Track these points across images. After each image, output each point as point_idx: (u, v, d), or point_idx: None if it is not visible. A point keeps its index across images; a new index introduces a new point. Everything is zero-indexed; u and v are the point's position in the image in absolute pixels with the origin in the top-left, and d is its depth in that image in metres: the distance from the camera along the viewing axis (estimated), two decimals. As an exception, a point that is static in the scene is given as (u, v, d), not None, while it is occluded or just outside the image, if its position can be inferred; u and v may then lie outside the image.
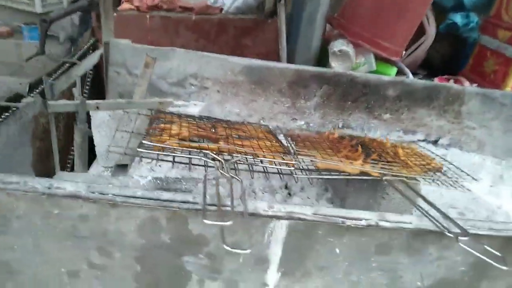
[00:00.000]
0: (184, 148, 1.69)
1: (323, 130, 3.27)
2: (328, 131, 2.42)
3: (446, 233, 1.29)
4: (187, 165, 1.66)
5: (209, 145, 1.78)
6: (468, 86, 3.85)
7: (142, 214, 1.26)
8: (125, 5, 3.66)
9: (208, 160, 1.63)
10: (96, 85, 2.94)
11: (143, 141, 1.59)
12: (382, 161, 2.03)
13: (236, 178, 1.49)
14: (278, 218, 1.32)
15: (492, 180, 3.18)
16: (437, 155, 2.28)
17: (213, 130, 2.13)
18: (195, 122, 2.14)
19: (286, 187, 2.45)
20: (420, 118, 3.28)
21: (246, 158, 1.74)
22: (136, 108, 2.25)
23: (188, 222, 1.28)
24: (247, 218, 1.26)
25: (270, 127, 2.42)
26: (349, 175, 1.88)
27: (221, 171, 1.50)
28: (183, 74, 2.94)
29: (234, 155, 1.73)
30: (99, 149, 2.47)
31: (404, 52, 4.15)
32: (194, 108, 2.63)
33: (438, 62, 5.25)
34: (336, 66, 3.63)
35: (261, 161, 1.76)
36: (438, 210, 1.53)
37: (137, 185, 1.71)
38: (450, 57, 5.25)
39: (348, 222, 1.34)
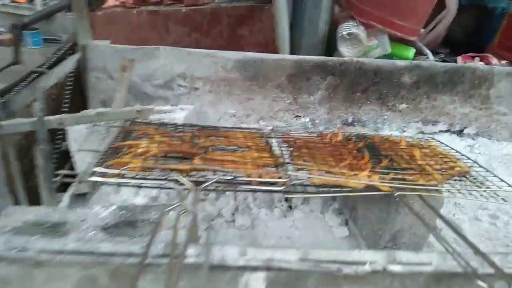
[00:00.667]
0: (148, 172, 1.41)
1: (330, 127, 2.93)
2: (331, 132, 2.08)
3: (479, 282, 0.96)
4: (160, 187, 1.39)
5: (180, 165, 1.50)
6: (497, 65, 3.39)
7: (76, 273, 0.98)
8: (110, 2, 3.38)
9: (176, 187, 1.34)
10: (78, 95, 2.69)
11: (95, 169, 1.32)
12: (395, 169, 1.69)
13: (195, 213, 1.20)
14: (253, 269, 1.02)
15: (529, 172, 2.76)
16: (463, 155, 1.91)
17: (195, 141, 1.84)
18: (173, 134, 1.86)
19: (286, 199, 2.14)
20: (441, 106, 2.88)
21: (225, 178, 1.45)
22: (108, 120, 1.99)
23: (136, 280, 1.00)
24: (210, 273, 0.97)
25: (264, 131, 2.11)
26: (353, 189, 1.56)
27: (185, 204, 1.21)
28: (170, 75, 2.65)
29: (210, 176, 1.44)
30: (80, 167, 2.23)
31: (422, 30, 3.70)
32: (181, 114, 2.34)
33: (461, 38, 4.75)
34: (346, 51, 3.23)
35: (244, 181, 1.46)
36: (463, 238, 1.19)
37: (95, 219, 1.46)
38: (474, 31, 4.75)
39: (347, 270, 1.03)
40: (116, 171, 1.36)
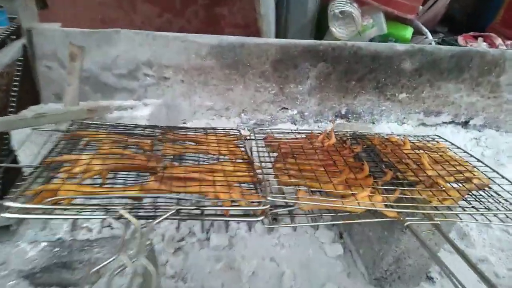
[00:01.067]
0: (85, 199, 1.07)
1: (321, 119, 2.59)
2: (323, 132, 1.74)
3: None
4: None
5: (129, 189, 1.16)
6: (502, 46, 3.05)
7: None
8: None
9: (118, 225, 1.00)
10: (30, 86, 2.30)
11: (8, 204, 0.97)
12: (401, 184, 1.37)
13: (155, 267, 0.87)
14: None
15: (541, 168, 2.48)
16: (479, 160, 1.60)
17: (156, 149, 1.49)
18: (129, 140, 1.50)
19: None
20: (446, 95, 2.56)
21: (186, 208, 1.11)
22: (50, 123, 1.62)
23: None
24: None
25: (243, 132, 1.76)
26: (351, 214, 1.24)
27: (122, 259, 0.87)
28: (134, 63, 2.26)
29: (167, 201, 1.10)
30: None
31: (420, 7, 3.33)
32: (145, 110, 1.97)
33: (461, 16, 4.41)
34: (338, 32, 2.84)
35: (212, 212, 1.13)
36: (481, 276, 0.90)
37: (19, 262, 1.12)
38: (475, 9, 4.41)
39: None
40: (35, 206, 1.02)
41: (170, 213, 1.07)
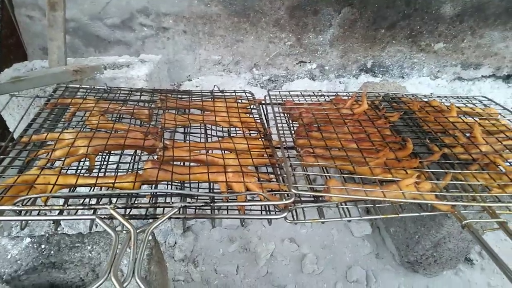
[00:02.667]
0: (63, 196, 0.86)
1: (343, 74, 2.29)
2: (352, 95, 1.46)
3: None
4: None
5: (123, 178, 0.93)
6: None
7: None
8: None
9: (109, 229, 0.79)
10: (13, 42, 2.03)
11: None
12: (451, 164, 1.12)
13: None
14: None
15: None
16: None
17: (154, 120, 1.25)
18: (122, 109, 1.26)
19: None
20: (488, 44, 2.21)
21: (192, 205, 0.90)
22: (30, 87, 1.36)
23: None
24: None
25: (257, 96, 1.50)
26: (392, 205, 1.02)
27: (115, 281, 0.67)
28: (128, 10, 1.94)
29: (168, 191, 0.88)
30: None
31: None
32: (142, 69, 1.69)
33: None
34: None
35: (224, 207, 0.92)
36: None
37: (3, 259, 0.94)
38: None
39: None
40: (4, 208, 0.81)
41: (173, 212, 0.85)
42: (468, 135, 1.28)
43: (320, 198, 1.01)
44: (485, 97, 1.62)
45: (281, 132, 1.24)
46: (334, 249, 1.56)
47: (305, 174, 1.03)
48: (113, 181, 0.93)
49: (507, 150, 1.20)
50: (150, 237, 1.07)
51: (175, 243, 1.50)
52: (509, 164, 1.14)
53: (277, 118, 1.33)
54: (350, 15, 2.05)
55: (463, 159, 1.17)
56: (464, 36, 2.18)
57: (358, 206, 1.02)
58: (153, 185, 0.99)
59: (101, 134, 1.12)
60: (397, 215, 0.98)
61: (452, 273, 1.51)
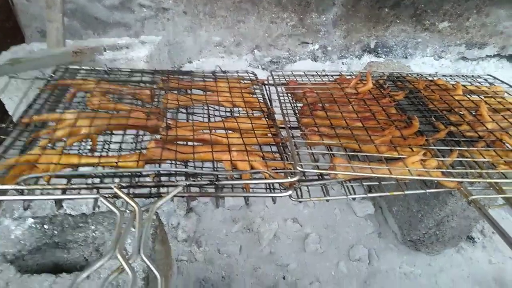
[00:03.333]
0: (66, 175, 0.86)
1: (346, 55, 2.26)
2: (357, 75, 1.44)
3: None
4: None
5: (127, 157, 0.93)
6: None
7: None
8: None
9: (113, 207, 0.79)
10: (11, 25, 2.00)
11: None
12: (457, 142, 1.12)
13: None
14: None
15: None
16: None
17: (156, 101, 1.24)
18: (124, 90, 1.24)
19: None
20: (494, 23, 2.17)
21: (196, 183, 0.89)
22: (28, 69, 1.35)
23: None
24: None
25: (260, 77, 1.48)
26: (398, 182, 1.02)
27: (120, 257, 0.67)
28: (127, -9, 1.90)
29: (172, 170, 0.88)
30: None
31: None
32: (142, 50, 1.67)
33: None
34: None
35: (229, 185, 0.91)
36: None
37: (3, 242, 0.94)
38: None
39: None
40: (6, 187, 0.80)
41: (177, 190, 0.85)
42: (474, 113, 1.27)
43: (325, 177, 1.01)
44: (490, 75, 1.60)
45: (284, 112, 1.23)
46: (337, 228, 1.57)
47: (310, 152, 1.02)
48: (117, 161, 0.92)
49: (514, 127, 1.19)
50: (155, 217, 1.08)
51: (178, 224, 1.50)
52: (515, 142, 1.13)
53: (280, 98, 1.32)
54: (353, -6, 2.00)
55: (469, 136, 1.16)
56: (469, 15, 2.14)
57: (364, 184, 1.02)
58: (157, 165, 0.98)
59: (103, 115, 1.11)
60: (402, 192, 0.98)
61: (454, 251, 1.52)
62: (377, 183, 1.02)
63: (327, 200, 1.10)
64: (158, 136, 1.06)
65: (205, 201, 1.60)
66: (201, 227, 1.52)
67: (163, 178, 0.95)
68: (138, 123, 1.09)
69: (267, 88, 1.44)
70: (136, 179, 0.98)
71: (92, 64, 1.68)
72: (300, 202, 1.15)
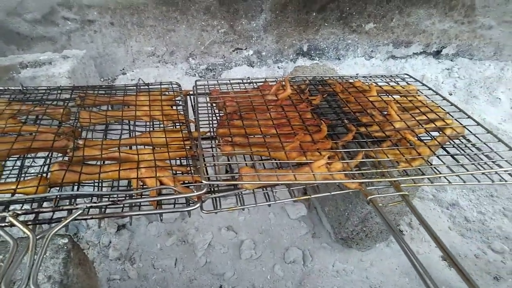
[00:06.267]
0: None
1: (281, 59, 2.31)
2: (278, 81, 1.48)
3: None
4: None
5: (27, 183, 0.90)
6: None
7: None
8: None
9: (6, 236, 0.76)
10: None
11: None
12: (365, 141, 1.17)
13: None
14: None
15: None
16: (452, 104, 1.41)
17: (72, 119, 1.21)
18: (37, 109, 1.20)
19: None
20: (416, 22, 2.29)
21: (97, 204, 0.88)
22: None
23: None
24: None
25: (181, 87, 1.47)
26: (306, 186, 1.05)
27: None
28: (47, 4, 1.84)
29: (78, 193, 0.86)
30: None
31: None
32: (64, 66, 1.62)
33: None
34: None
35: (132, 204, 0.90)
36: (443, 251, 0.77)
37: None
38: None
39: None
40: None
41: (75, 214, 0.83)
42: (385, 113, 1.33)
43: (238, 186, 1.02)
44: (407, 74, 1.68)
45: (207, 122, 1.24)
46: (272, 232, 1.59)
47: (214, 164, 1.03)
48: (15, 187, 0.89)
49: (419, 126, 1.26)
50: (66, 240, 1.04)
51: (110, 242, 1.47)
52: (418, 139, 1.19)
53: (204, 108, 1.33)
54: None
55: (378, 136, 1.22)
56: (393, 16, 2.24)
57: (274, 190, 1.04)
58: (67, 187, 0.96)
59: (8, 139, 1.07)
60: (309, 196, 1.02)
61: (384, 245, 1.59)
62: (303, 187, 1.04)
63: (243, 209, 1.11)
64: (66, 158, 1.04)
65: (137, 217, 1.58)
66: (135, 244, 1.50)
67: (67, 201, 0.93)
68: (45, 145, 1.05)
69: (193, 99, 1.44)
70: (42, 203, 0.96)
71: (11, 83, 1.62)
72: (216, 213, 1.16)
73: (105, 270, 1.40)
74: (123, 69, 2.13)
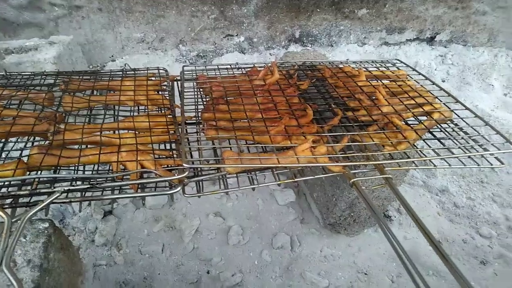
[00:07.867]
0: None
1: (273, 46, 2.28)
2: (266, 67, 1.46)
3: None
4: None
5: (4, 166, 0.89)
6: None
7: None
8: None
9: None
10: None
11: None
12: (351, 125, 1.16)
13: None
14: None
15: (507, 83, 2.34)
16: (442, 88, 1.39)
17: (56, 104, 1.19)
18: (20, 94, 1.19)
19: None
20: (409, 8, 2.26)
21: (76, 187, 0.87)
22: None
23: None
24: None
25: (168, 72, 1.45)
26: (290, 170, 1.04)
27: None
28: (33, -11, 1.81)
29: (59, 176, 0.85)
30: None
31: None
32: (49, 52, 1.60)
33: None
34: None
35: (111, 187, 0.90)
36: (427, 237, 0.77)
37: None
38: None
39: None
40: None
41: (53, 197, 0.82)
42: (374, 97, 1.32)
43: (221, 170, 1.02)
44: (398, 59, 1.66)
45: (193, 107, 1.23)
46: (260, 218, 1.59)
47: (199, 147, 1.02)
48: (-6, 170, 0.88)
49: (407, 110, 1.25)
50: (46, 225, 1.03)
51: (96, 228, 1.47)
52: (405, 123, 1.18)
53: (190, 93, 1.31)
54: (271, -16, 2.01)
55: (365, 121, 1.20)
56: (386, 1, 2.21)
57: (257, 174, 1.04)
58: (45, 171, 0.95)
59: (-11, 123, 1.05)
60: (293, 180, 1.01)
61: (372, 230, 1.59)
62: (281, 171, 1.04)
63: (226, 193, 1.10)
64: (47, 142, 1.03)
65: (124, 202, 1.57)
66: (121, 230, 1.50)
67: (46, 185, 0.92)
68: (24, 129, 1.04)
69: (179, 84, 1.42)
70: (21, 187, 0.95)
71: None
72: (199, 197, 1.14)
73: (91, 256, 1.40)
74: (112, 56, 2.11)
